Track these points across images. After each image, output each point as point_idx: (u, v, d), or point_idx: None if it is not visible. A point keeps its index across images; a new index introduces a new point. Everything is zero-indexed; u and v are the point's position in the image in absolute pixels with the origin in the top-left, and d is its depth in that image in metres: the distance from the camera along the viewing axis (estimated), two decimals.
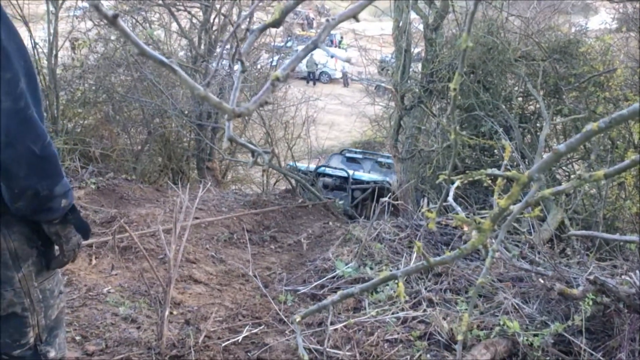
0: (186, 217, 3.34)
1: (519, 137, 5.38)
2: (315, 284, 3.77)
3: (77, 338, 2.83)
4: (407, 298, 3.52)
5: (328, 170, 9.10)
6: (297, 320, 0.80)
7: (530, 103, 6.36)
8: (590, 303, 2.83)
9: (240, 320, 3.27)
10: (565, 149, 0.73)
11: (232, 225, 4.96)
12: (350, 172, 8.85)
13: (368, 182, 8.62)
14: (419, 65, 6.39)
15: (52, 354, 1.62)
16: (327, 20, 0.57)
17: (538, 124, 6.13)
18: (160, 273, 3.28)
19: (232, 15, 8.13)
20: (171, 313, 3.21)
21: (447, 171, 0.81)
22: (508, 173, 0.78)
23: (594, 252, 3.97)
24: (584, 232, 4.16)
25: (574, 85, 5.52)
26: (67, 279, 3.43)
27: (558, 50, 5.69)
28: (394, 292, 3.55)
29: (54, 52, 6.77)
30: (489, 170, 0.84)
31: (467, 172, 0.83)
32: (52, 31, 6.70)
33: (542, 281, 3.27)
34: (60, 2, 6.78)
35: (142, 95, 7.78)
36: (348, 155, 10.61)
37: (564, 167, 6.04)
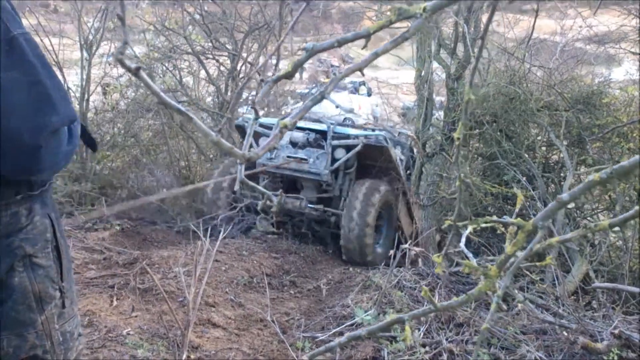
0: (206, 260, 3.37)
1: (542, 186, 5.34)
2: (334, 331, 3.73)
3: None
4: (428, 349, 3.46)
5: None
6: (305, 359, 0.80)
7: (554, 152, 6.34)
8: (615, 358, 2.76)
9: None
10: (569, 198, 0.75)
11: (252, 269, 4.97)
12: (331, 123, 6.46)
13: (356, 137, 6.19)
14: (441, 113, 6.46)
15: None
16: (334, 74, 0.61)
17: (562, 174, 6.09)
18: (179, 316, 3.29)
19: (259, 64, 8.36)
20: (189, 357, 3.20)
21: (453, 217, 0.83)
22: (513, 220, 0.80)
23: (620, 306, 3.88)
24: (608, 284, 4.08)
25: (598, 135, 5.50)
26: (88, 320, 3.46)
27: (581, 100, 5.71)
28: (414, 341, 3.50)
29: (86, 96, 7.03)
30: (494, 217, 0.86)
31: (472, 219, 0.85)
32: (84, 77, 6.98)
33: (565, 334, 3.20)
34: (93, 49, 7.08)
35: (169, 139, 8.00)
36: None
37: (588, 218, 5.95)
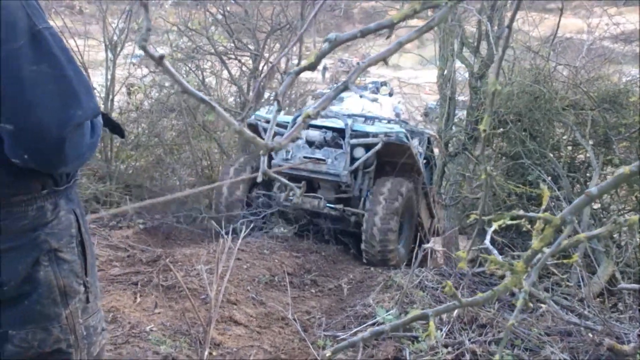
0: (228, 258, 3.38)
1: (568, 186, 5.27)
2: (355, 330, 3.72)
3: None
4: (450, 349, 3.43)
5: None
6: (328, 355, 0.80)
7: (580, 152, 6.25)
8: None
9: None
10: (597, 192, 0.73)
11: (274, 268, 4.98)
12: (349, 120, 6.09)
13: (375, 135, 5.85)
14: (464, 113, 6.41)
15: None
16: (358, 63, 0.61)
17: (587, 174, 5.99)
18: (201, 313, 3.31)
19: (280, 64, 8.39)
20: (211, 354, 3.22)
21: (479, 211, 0.82)
22: (541, 215, 0.79)
23: None
24: (635, 285, 4.00)
25: (625, 135, 5.40)
26: (112, 316, 3.50)
27: (607, 99, 5.61)
28: (436, 341, 3.47)
29: (111, 96, 7.13)
30: (521, 212, 0.85)
31: (498, 213, 0.84)
32: (109, 77, 7.07)
33: (591, 336, 3.15)
34: (118, 49, 7.17)
35: (192, 138, 8.07)
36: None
37: (614, 218, 5.84)
